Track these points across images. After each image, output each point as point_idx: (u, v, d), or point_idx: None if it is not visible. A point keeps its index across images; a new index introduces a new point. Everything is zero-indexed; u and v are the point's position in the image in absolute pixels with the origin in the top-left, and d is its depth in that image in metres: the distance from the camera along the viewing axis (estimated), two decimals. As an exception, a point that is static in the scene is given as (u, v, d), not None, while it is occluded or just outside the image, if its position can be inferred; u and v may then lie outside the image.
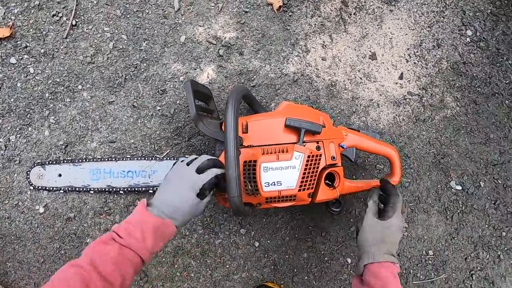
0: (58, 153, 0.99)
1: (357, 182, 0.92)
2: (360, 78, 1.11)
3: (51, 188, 0.97)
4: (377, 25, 1.13)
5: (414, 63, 1.13)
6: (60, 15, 1.05)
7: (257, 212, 1.02)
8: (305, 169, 0.77)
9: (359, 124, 1.08)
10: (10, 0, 1.04)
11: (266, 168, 0.76)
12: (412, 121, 1.11)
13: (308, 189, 0.78)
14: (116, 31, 1.06)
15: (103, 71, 1.03)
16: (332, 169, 0.82)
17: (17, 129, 0.99)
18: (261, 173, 0.76)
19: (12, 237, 0.95)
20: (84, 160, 0.97)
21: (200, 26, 1.07)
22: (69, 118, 1.01)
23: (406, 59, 1.12)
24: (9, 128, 1.00)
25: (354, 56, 1.11)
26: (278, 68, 1.08)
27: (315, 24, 1.12)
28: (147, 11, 1.07)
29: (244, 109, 1.06)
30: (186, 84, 0.81)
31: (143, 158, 0.97)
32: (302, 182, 0.77)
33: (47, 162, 0.97)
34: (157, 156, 0.99)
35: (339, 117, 1.08)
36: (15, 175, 0.98)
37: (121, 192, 0.97)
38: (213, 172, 0.72)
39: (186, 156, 0.82)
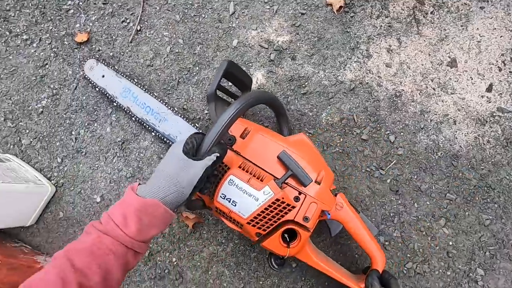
0: (116, 148, 1.02)
1: (326, 262, 0.71)
2: (433, 89, 0.87)
3: (92, 82, 0.97)
4: (461, 26, 0.88)
5: (510, 71, 0.86)
6: (128, 21, 1.06)
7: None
8: (266, 210, 0.62)
9: (427, 143, 0.87)
10: (90, 8, 1.10)
11: (231, 181, 0.63)
12: (501, 145, 0.82)
13: (259, 228, 0.63)
14: (174, 35, 1.01)
15: (159, 74, 0.99)
16: (298, 228, 0.63)
17: (86, 124, 1.03)
18: (224, 183, 0.63)
19: (74, 221, 0.97)
20: (125, 76, 0.96)
21: (253, 29, 0.95)
22: (127, 118, 1.03)
23: (498, 67, 0.85)
24: (80, 122, 1.04)
25: (427, 63, 0.88)
26: (333, 75, 0.90)
27: (381, 26, 0.91)
28: (203, 16, 1.00)
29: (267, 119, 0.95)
30: (223, 62, 0.71)
31: (163, 103, 0.92)
32: (255, 218, 0.62)
33: (101, 60, 0.99)
34: (174, 108, 0.92)
35: (402, 133, 0.85)
36: (81, 165, 1.00)
37: (133, 118, 0.94)
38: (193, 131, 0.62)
39: None
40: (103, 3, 1.07)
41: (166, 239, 0.90)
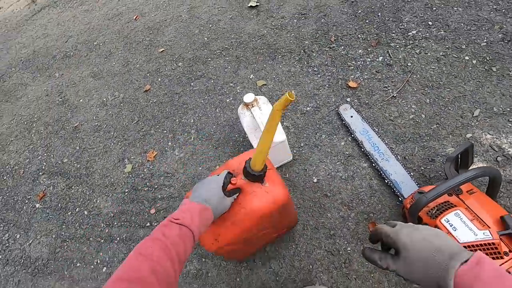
0: (342, 157, 1.36)
1: None
2: None
3: (342, 118, 1.35)
4: None
5: None
6: (388, 88, 1.44)
7: None
8: (479, 245, 0.78)
9: None
10: (365, 70, 1.52)
11: (457, 214, 0.83)
12: None
13: None
14: (420, 110, 1.31)
15: (396, 128, 1.27)
16: None
17: (328, 133, 1.38)
18: (451, 212, 0.84)
19: (291, 183, 1.33)
20: (367, 122, 1.29)
21: (489, 134, 1.15)
22: (358, 146, 1.39)
23: None
24: (324, 130, 1.38)
25: None
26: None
27: None
28: (449, 108, 1.27)
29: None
30: (468, 142, 0.99)
31: (390, 148, 1.21)
32: (467, 247, 0.78)
33: (354, 106, 1.37)
34: (398, 156, 1.20)
35: None
36: (313, 154, 1.33)
37: (362, 149, 1.25)
38: (226, 172, 0.82)
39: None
40: (376, 71, 1.51)
41: (349, 232, 1.15)
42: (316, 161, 1.32)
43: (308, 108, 1.48)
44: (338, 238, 1.12)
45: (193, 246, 0.67)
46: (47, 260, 1.46)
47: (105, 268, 1.35)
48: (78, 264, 1.40)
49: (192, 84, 1.84)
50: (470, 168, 1.04)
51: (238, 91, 1.69)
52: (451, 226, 0.84)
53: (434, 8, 1.58)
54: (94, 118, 1.94)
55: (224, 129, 1.57)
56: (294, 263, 1.12)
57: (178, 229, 0.65)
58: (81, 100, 2.10)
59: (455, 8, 1.54)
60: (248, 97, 1.16)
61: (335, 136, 1.35)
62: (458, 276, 0.41)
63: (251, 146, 1.44)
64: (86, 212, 1.55)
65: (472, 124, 1.19)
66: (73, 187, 1.67)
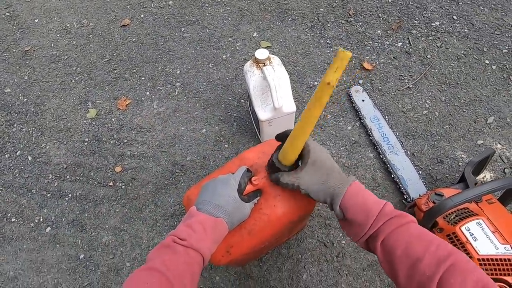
0: (347, 143, 1.24)
1: None
2: None
3: (353, 101, 1.23)
4: None
5: None
6: (404, 78, 1.29)
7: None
8: (499, 260, 0.70)
9: None
10: (383, 54, 1.43)
11: (479, 224, 0.76)
12: None
13: (481, 269, 0.72)
14: (434, 107, 1.18)
15: (408, 122, 1.17)
16: None
17: (335, 114, 1.26)
18: (472, 221, 0.76)
19: None
20: (379, 109, 1.19)
21: (500, 144, 1.08)
22: (366, 133, 1.27)
23: None
24: (331, 111, 1.29)
25: None
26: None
27: None
28: (464, 111, 1.16)
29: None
30: (490, 149, 0.93)
31: (400, 142, 1.11)
32: (487, 260, 0.71)
33: (363, 89, 1.24)
34: (407, 151, 1.10)
35: None
36: (316, 136, 1.31)
37: (370, 138, 1.15)
38: (243, 168, 0.63)
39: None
40: (393, 57, 1.38)
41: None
42: (317, 142, 1.17)
43: (316, 83, 1.31)
44: (333, 229, 1.01)
45: (201, 273, 0.53)
46: (-30, 209, 1.16)
47: (49, 228, 1.10)
48: (13, 219, 1.13)
49: (183, 29, 1.54)
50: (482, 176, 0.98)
51: (237, 48, 1.45)
52: (471, 235, 0.76)
53: (460, 3, 1.47)
54: (52, 45, 1.56)
55: (216, 88, 1.34)
56: (281, 250, 0.99)
57: (185, 254, 0.50)
58: (36, 20, 1.67)
59: (481, 8, 1.44)
60: (262, 53, 0.95)
61: (342, 119, 1.22)
62: (349, 187, 0.54)
63: (248, 114, 1.25)
64: (30, 158, 1.25)
65: (485, 131, 1.13)
66: (15, 125, 1.33)
